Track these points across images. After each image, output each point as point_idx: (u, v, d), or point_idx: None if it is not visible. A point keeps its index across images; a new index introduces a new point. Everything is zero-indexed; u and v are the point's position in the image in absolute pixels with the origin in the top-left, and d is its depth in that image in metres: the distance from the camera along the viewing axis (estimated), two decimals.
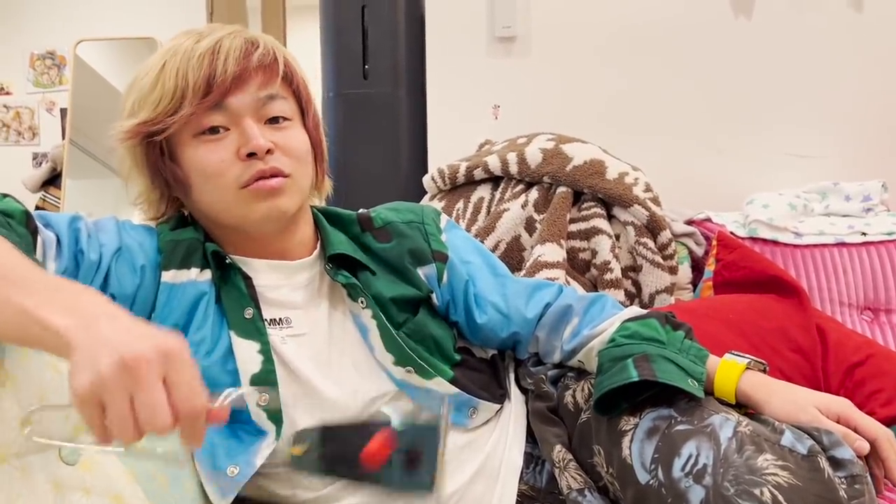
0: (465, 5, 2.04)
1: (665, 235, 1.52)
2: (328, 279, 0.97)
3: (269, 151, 0.89)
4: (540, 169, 1.57)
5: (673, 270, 1.53)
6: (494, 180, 1.67)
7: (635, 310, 1.05)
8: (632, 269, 1.53)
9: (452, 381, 0.98)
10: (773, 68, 1.93)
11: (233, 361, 0.91)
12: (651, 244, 1.51)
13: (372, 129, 2.07)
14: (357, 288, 0.96)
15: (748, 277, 1.46)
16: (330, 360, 0.96)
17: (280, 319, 0.95)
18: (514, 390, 1.08)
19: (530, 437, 1.02)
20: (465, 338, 1.08)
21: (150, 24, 3.32)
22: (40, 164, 3.77)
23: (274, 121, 0.92)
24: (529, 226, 1.55)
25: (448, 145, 2.01)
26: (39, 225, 0.83)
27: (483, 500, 0.95)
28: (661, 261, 1.51)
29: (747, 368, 0.91)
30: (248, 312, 0.92)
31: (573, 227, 1.53)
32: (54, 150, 3.47)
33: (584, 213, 1.54)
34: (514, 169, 1.60)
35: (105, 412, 0.55)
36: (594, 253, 1.51)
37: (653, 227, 1.51)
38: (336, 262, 0.97)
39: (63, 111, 3.84)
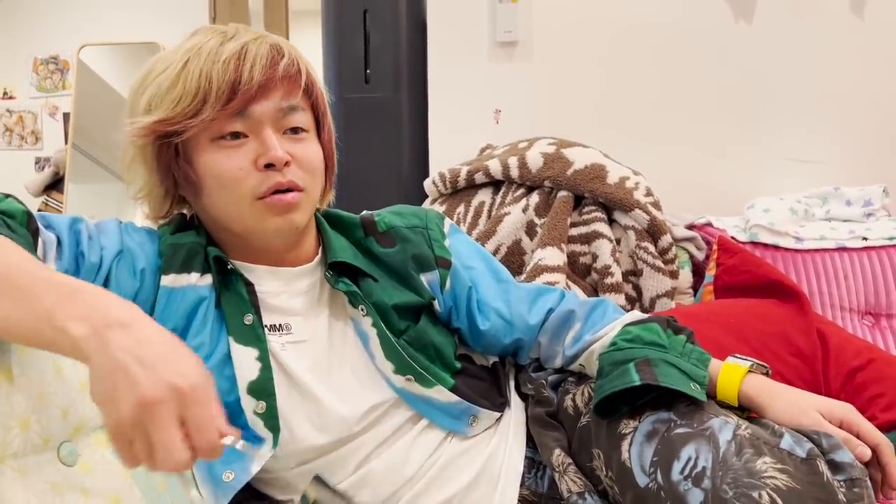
0: (466, 10, 2.05)
1: (666, 240, 1.52)
2: (329, 286, 0.97)
3: (286, 164, 0.88)
4: (541, 173, 1.57)
5: (674, 275, 1.53)
6: (495, 184, 1.67)
7: (637, 314, 1.05)
8: (632, 274, 1.53)
9: (453, 390, 0.97)
10: (775, 73, 1.93)
11: (230, 367, 0.90)
12: (652, 248, 1.51)
13: (373, 134, 2.07)
14: (357, 296, 0.96)
15: (749, 282, 1.46)
16: (330, 367, 0.95)
17: (280, 326, 0.95)
18: (513, 397, 1.08)
19: (531, 442, 1.02)
20: (467, 344, 1.07)
21: (153, 29, 3.32)
22: (43, 168, 3.78)
23: (293, 131, 0.91)
24: (530, 230, 1.55)
25: (449, 149, 2.01)
26: (40, 226, 0.83)
27: None
28: (661, 265, 1.51)
29: (750, 371, 0.91)
30: (248, 319, 0.92)
31: (574, 232, 1.54)
32: (57, 155, 3.48)
33: (585, 217, 1.54)
34: (515, 173, 1.60)
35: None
36: (595, 257, 1.51)
37: (654, 232, 1.51)
38: (337, 269, 0.97)
39: (66, 115, 3.85)
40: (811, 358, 1.29)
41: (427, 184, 1.77)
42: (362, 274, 0.98)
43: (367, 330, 0.96)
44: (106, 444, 0.78)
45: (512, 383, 1.10)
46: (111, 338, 0.59)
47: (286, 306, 0.96)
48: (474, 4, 2.04)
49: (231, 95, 0.86)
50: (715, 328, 1.31)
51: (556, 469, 0.93)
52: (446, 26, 2.07)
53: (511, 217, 1.56)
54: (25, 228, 0.79)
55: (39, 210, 3.33)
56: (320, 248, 1.00)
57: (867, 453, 0.80)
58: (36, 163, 4.03)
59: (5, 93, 4.06)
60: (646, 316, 1.03)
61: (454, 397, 0.97)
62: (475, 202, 1.66)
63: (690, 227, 1.72)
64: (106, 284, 0.87)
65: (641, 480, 0.80)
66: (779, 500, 0.70)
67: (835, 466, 0.74)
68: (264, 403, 0.90)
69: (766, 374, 0.92)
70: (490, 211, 1.64)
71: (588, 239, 1.52)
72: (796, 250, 1.63)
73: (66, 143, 3.47)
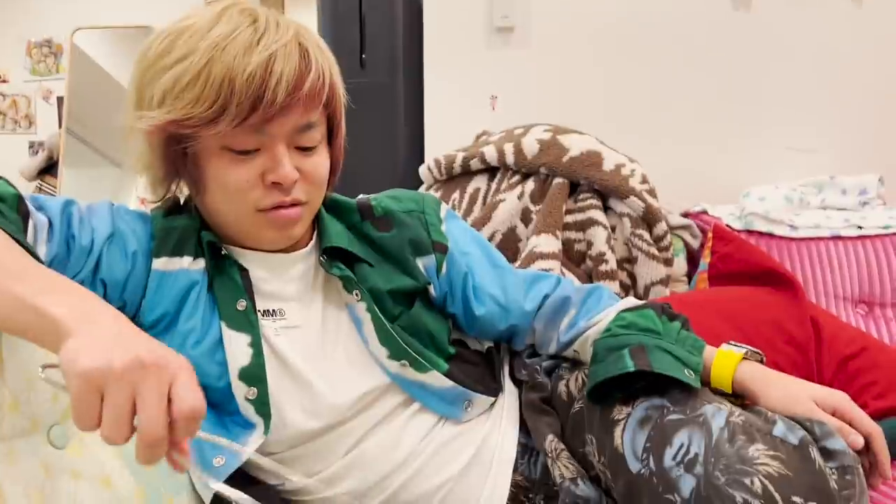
0: None
1: (661, 227, 1.52)
2: (323, 271, 0.96)
3: (294, 181, 0.87)
4: (536, 160, 1.57)
5: (668, 262, 1.53)
6: (491, 171, 1.66)
7: (632, 301, 1.05)
8: (627, 261, 1.53)
9: (447, 375, 0.97)
10: (772, 62, 1.93)
11: (222, 352, 0.90)
12: (647, 236, 1.51)
13: (369, 119, 2.06)
14: (352, 281, 0.95)
15: (743, 270, 1.46)
16: (323, 353, 0.95)
17: (274, 311, 0.94)
18: (507, 382, 1.08)
19: (524, 428, 1.02)
20: (461, 330, 1.07)
21: (148, 12, 3.30)
22: (37, 152, 3.76)
23: (304, 147, 0.89)
24: (525, 217, 1.54)
25: (445, 135, 2.00)
26: (31, 208, 0.82)
27: (475, 491, 0.95)
28: (656, 252, 1.51)
29: (744, 359, 0.91)
30: (241, 304, 0.91)
31: (569, 219, 1.53)
32: (51, 139, 3.46)
33: (580, 204, 1.54)
34: (510, 160, 1.60)
35: (102, 401, 0.55)
36: (590, 244, 1.51)
37: (648, 219, 1.51)
38: (331, 255, 0.96)
39: (60, 99, 3.82)
40: (804, 346, 1.29)
41: (422, 170, 1.76)
42: (357, 259, 0.98)
43: (362, 315, 0.96)
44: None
45: (506, 369, 1.10)
46: (105, 322, 0.59)
47: (280, 291, 0.95)
48: None
49: (251, 112, 0.82)
50: (709, 316, 1.31)
51: (549, 455, 0.93)
52: (443, 11, 2.06)
53: (506, 204, 1.55)
54: (15, 212, 0.79)
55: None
56: (315, 233, 1.00)
57: (860, 441, 0.80)
58: (30, 147, 4.00)
59: None
60: (641, 302, 1.03)
61: (449, 382, 0.97)
62: (470, 189, 1.65)
63: (686, 214, 1.72)
64: (97, 267, 0.87)
65: (634, 466, 0.80)
66: (770, 486, 0.70)
67: (827, 454, 0.74)
68: (256, 389, 0.90)
69: (761, 362, 0.93)
70: (485, 198, 1.63)
71: (583, 226, 1.52)
72: (791, 238, 1.64)
73: (59, 127, 3.46)
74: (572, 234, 1.53)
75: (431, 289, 1.02)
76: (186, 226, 0.93)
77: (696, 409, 0.79)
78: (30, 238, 0.80)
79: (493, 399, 1.02)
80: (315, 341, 0.95)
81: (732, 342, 0.94)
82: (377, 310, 0.95)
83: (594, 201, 1.54)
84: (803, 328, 1.31)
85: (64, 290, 0.65)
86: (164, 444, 0.56)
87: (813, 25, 1.91)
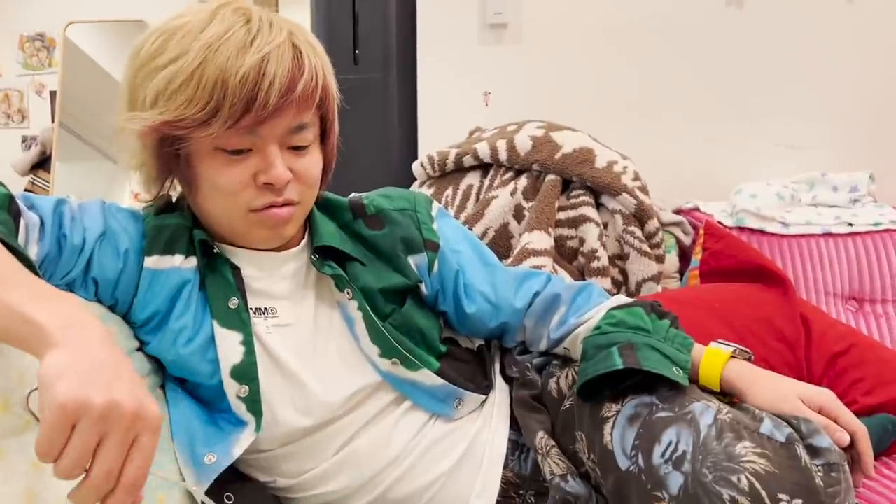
0: None
1: (653, 224, 1.53)
2: (315, 269, 0.97)
3: (286, 182, 0.87)
4: (529, 156, 1.57)
5: (660, 259, 1.54)
6: (484, 167, 1.66)
7: (622, 298, 1.06)
8: (619, 258, 1.54)
9: (438, 373, 0.98)
10: (764, 58, 1.93)
11: (213, 351, 0.90)
12: (638, 233, 1.51)
13: (362, 116, 2.06)
14: (343, 279, 0.96)
15: (734, 267, 1.47)
16: (315, 351, 0.95)
17: (266, 309, 0.94)
18: (498, 379, 1.08)
19: (515, 425, 1.02)
20: (452, 328, 1.07)
21: (141, 6, 3.29)
22: (30, 147, 3.74)
23: (296, 148, 0.89)
24: (518, 213, 1.55)
25: (438, 132, 2.00)
26: (23, 207, 0.82)
27: (466, 487, 0.96)
28: (648, 249, 1.51)
29: (732, 357, 0.92)
30: (233, 302, 0.92)
31: (561, 215, 1.54)
32: (44, 133, 3.45)
33: (573, 201, 1.54)
34: (503, 156, 1.60)
35: (70, 434, 0.54)
36: (582, 241, 1.52)
37: (640, 216, 1.52)
38: (323, 253, 0.97)
39: (53, 94, 3.80)
40: (794, 343, 1.30)
41: (415, 166, 1.76)
42: (349, 258, 0.98)
43: (353, 314, 0.96)
44: None
45: (497, 366, 1.11)
46: (91, 339, 0.58)
47: (271, 290, 0.96)
48: None
49: (244, 114, 0.81)
50: (700, 312, 1.32)
51: (540, 451, 0.94)
52: (436, 7, 2.05)
53: (499, 200, 1.56)
54: (6, 212, 0.79)
55: (26, 189, 3.30)
56: (307, 231, 1.00)
57: (845, 439, 0.81)
58: (23, 141, 3.98)
59: None
60: (630, 300, 1.03)
61: (439, 380, 0.97)
62: (463, 185, 1.65)
63: (678, 211, 1.72)
64: (88, 266, 0.87)
65: (623, 463, 0.81)
66: (757, 483, 0.70)
67: (813, 451, 0.75)
68: (247, 387, 0.90)
69: (749, 360, 0.93)
70: (478, 194, 1.63)
71: (575, 223, 1.53)
72: (782, 235, 1.64)
73: (52, 121, 3.44)
74: (564, 231, 1.53)
75: (423, 287, 1.02)
76: (178, 224, 0.93)
77: (684, 406, 0.80)
78: (21, 237, 0.80)
79: (483, 397, 1.03)
80: (307, 339, 0.95)
81: (721, 341, 0.95)
82: (368, 308, 0.96)
83: (586, 198, 1.54)
84: (793, 325, 1.32)
85: (51, 297, 0.64)
86: (105, 493, 0.56)
87: (805, 22, 1.91)
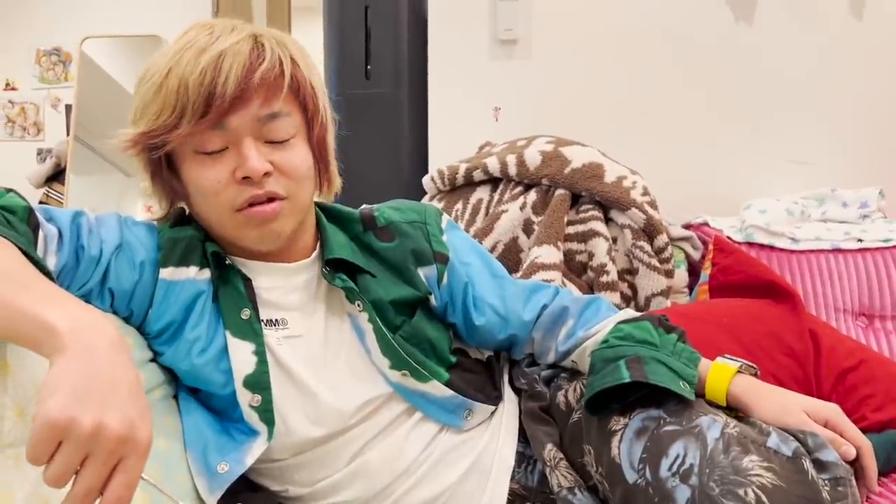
0: (467, 7, 2.05)
1: (662, 239, 1.53)
2: (326, 281, 0.97)
3: (266, 174, 0.87)
4: (539, 171, 1.58)
5: (669, 274, 1.54)
6: (493, 182, 1.67)
7: (629, 312, 1.06)
8: (628, 272, 1.54)
9: (448, 384, 0.98)
10: (773, 75, 1.94)
11: (226, 361, 0.92)
12: (648, 247, 1.52)
13: (373, 130, 2.08)
14: (354, 292, 0.96)
15: (744, 282, 1.47)
16: (325, 362, 0.96)
17: (277, 321, 0.95)
18: (507, 390, 1.09)
19: (522, 436, 1.03)
20: (462, 339, 1.08)
21: (156, 21, 3.33)
22: (44, 159, 3.79)
23: (275, 139, 0.90)
24: (527, 227, 1.56)
25: (448, 146, 2.02)
26: (42, 219, 0.84)
27: (473, 498, 0.96)
28: (657, 264, 1.52)
29: (738, 372, 0.92)
30: (245, 313, 0.93)
31: (570, 230, 1.54)
32: (59, 146, 3.49)
33: (582, 215, 1.55)
34: (513, 171, 1.61)
35: (57, 448, 0.56)
36: (591, 255, 1.52)
37: (650, 231, 1.52)
38: (334, 266, 0.97)
39: (68, 107, 3.86)
40: (803, 358, 1.30)
41: (425, 180, 1.78)
42: (360, 270, 0.99)
43: (364, 325, 0.97)
44: None
45: (506, 377, 1.11)
46: (98, 344, 0.60)
47: (283, 301, 0.97)
48: (475, 2, 2.05)
49: (206, 109, 0.84)
50: (709, 327, 1.32)
51: (548, 463, 0.95)
52: (447, 23, 2.07)
53: (508, 215, 1.57)
54: (26, 224, 0.80)
55: (40, 201, 3.34)
56: (318, 243, 1.01)
57: (851, 452, 0.81)
58: (38, 154, 4.04)
59: (8, 84, 4.07)
60: (638, 314, 1.04)
61: (449, 392, 0.98)
62: (473, 199, 1.66)
63: (687, 226, 1.73)
64: (105, 277, 0.88)
65: (630, 476, 0.81)
66: (764, 497, 0.71)
67: (820, 465, 0.75)
68: (260, 397, 0.91)
69: (755, 375, 0.94)
70: (488, 208, 1.64)
71: (584, 237, 1.53)
72: (791, 251, 1.64)
73: (67, 134, 3.49)
74: (574, 245, 1.54)
75: (432, 299, 1.03)
76: (192, 236, 0.95)
77: (691, 420, 0.80)
78: (40, 249, 0.82)
79: (493, 408, 1.03)
80: (317, 350, 0.96)
81: (728, 356, 0.95)
82: (379, 321, 0.97)
83: (596, 213, 1.55)
84: (802, 340, 1.31)
85: (65, 300, 0.66)
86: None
87: (814, 38, 1.92)
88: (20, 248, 0.72)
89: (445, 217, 1.10)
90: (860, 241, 1.64)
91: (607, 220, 1.56)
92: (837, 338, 1.37)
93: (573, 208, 1.57)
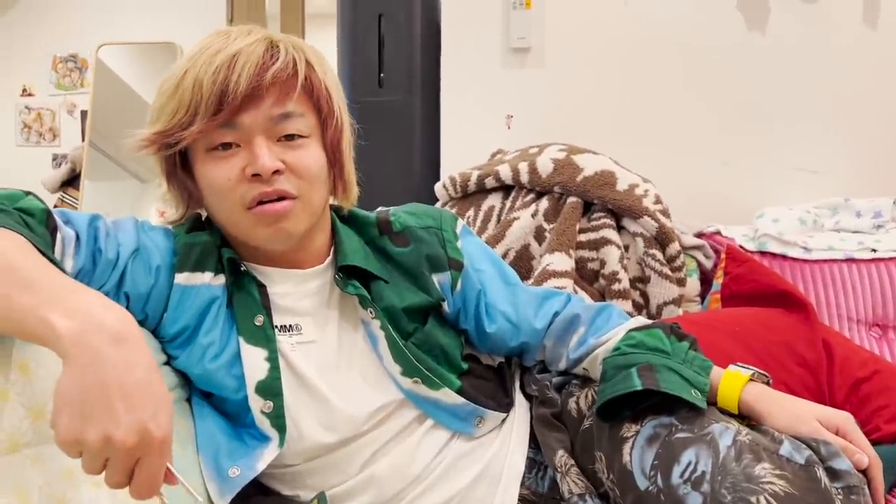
0: (480, 16, 2.06)
1: (674, 247, 1.53)
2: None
3: (277, 172, 0.88)
4: (551, 179, 1.58)
5: (681, 282, 1.54)
6: (505, 189, 1.68)
7: (641, 320, 1.06)
8: (640, 281, 1.54)
9: (459, 392, 0.99)
10: (786, 84, 1.94)
11: (239, 366, 0.92)
12: (660, 256, 1.52)
13: (386, 137, 2.09)
14: (366, 299, 0.97)
15: (756, 291, 1.46)
16: (338, 368, 0.96)
17: (290, 326, 0.96)
18: (518, 397, 1.09)
19: (533, 442, 1.03)
20: (473, 345, 1.08)
21: (171, 29, 3.37)
22: (60, 164, 3.82)
23: (287, 138, 0.90)
24: (539, 235, 1.56)
25: (461, 154, 2.02)
26: (59, 222, 0.84)
27: None
28: (669, 272, 1.52)
29: (751, 380, 0.92)
30: (259, 320, 0.93)
31: (582, 238, 1.54)
32: (74, 152, 3.52)
33: (594, 223, 1.55)
34: (525, 178, 1.61)
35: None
36: (603, 263, 1.52)
37: (662, 239, 1.52)
38: (347, 272, 0.98)
39: (83, 113, 3.90)
40: (816, 368, 1.29)
41: (437, 187, 1.78)
42: (373, 276, 0.99)
43: (376, 332, 0.97)
44: None
45: (517, 383, 1.11)
46: (100, 349, 0.60)
47: (296, 307, 0.97)
48: (488, 10, 2.06)
49: (219, 106, 0.85)
50: (721, 336, 1.31)
51: (559, 470, 0.95)
52: (460, 32, 2.08)
53: (520, 222, 1.57)
54: (44, 226, 0.81)
55: (55, 206, 3.35)
56: (332, 248, 1.01)
57: (864, 461, 0.80)
58: (53, 159, 4.07)
59: (25, 90, 4.12)
60: (650, 322, 1.04)
61: (460, 399, 0.98)
62: (485, 206, 1.67)
63: (699, 235, 1.73)
64: (121, 280, 0.89)
65: (642, 483, 0.81)
66: None
67: (833, 474, 0.75)
68: (271, 403, 0.92)
69: (767, 384, 0.93)
70: (499, 216, 1.65)
71: (596, 245, 1.53)
72: (804, 260, 1.63)
73: (83, 140, 3.51)
74: (585, 253, 1.54)
75: (445, 305, 1.03)
76: (208, 242, 0.96)
77: (703, 427, 0.80)
78: (57, 251, 0.82)
79: (504, 415, 1.03)
80: (330, 356, 0.97)
81: (739, 364, 0.95)
82: (391, 328, 0.97)
83: (608, 220, 1.55)
84: (815, 350, 1.31)
85: (71, 294, 0.65)
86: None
87: (827, 48, 1.92)
88: (37, 248, 0.73)
89: (461, 222, 1.10)
90: (874, 251, 1.63)
91: (619, 229, 1.56)
92: (851, 348, 1.36)
93: (585, 216, 1.57)
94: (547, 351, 1.07)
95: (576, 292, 1.48)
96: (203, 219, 1.00)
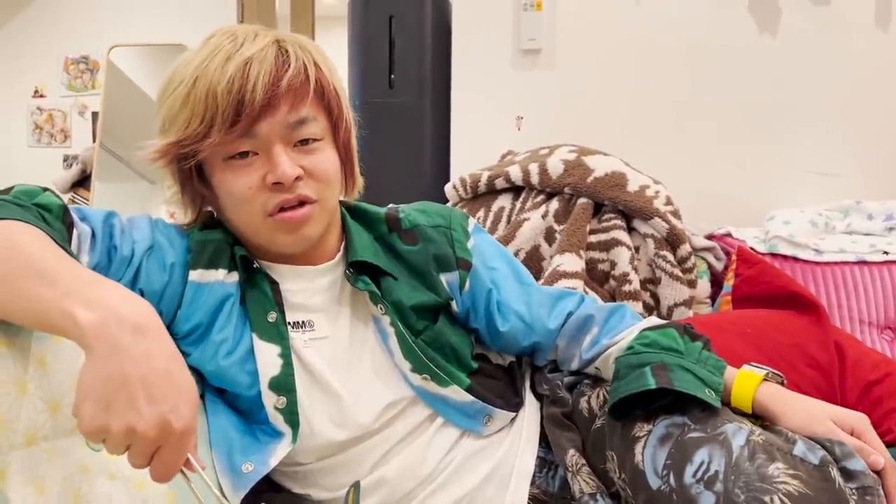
0: (491, 18, 2.07)
1: (685, 249, 1.53)
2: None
3: (297, 178, 0.89)
4: (561, 180, 1.58)
5: (692, 284, 1.54)
6: (515, 190, 1.68)
7: (654, 320, 1.06)
8: (650, 282, 1.54)
9: (468, 390, 0.99)
10: (798, 86, 1.93)
11: (252, 363, 0.92)
12: (670, 257, 1.52)
13: (396, 138, 2.10)
14: (377, 295, 0.97)
15: (767, 293, 1.46)
16: (350, 364, 0.97)
17: (303, 323, 0.96)
18: (528, 396, 1.09)
19: (543, 442, 1.03)
20: (484, 344, 1.08)
21: (182, 31, 3.37)
22: (71, 165, 3.84)
23: (303, 143, 0.91)
24: (549, 236, 1.56)
25: (471, 155, 2.03)
26: (76, 218, 0.85)
27: (493, 503, 0.96)
28: (680, 274, 1.51)
29: (765, 380, 0.92)
30: (272, 316, 0.94)
31: (593, 238, 1.54)
32: (85, 153, 3.53)
33: (604, 224, 1.55)
34: (535, 179, 1.61)
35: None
36: (613, 264, 1.52)
37: (672, 241, 1.52)
38: (357, 268, 0.98)
39: (95, 115, 3.91)
40: (828, 370, 1.29)
41: (448, 188, 1.79)
42: (382, 272, 1.00)
43: (387, 328, 0.98)
44: None
45: (527, 383, 1.11)
46: (122, 340, 0.61)
47: (308, 303, 0.97)
48: (499, 12, 2.06)
49: (236, 118, 0.85)
50: (732, 337, 1.31)
51: (570, 469, 0.94)
52: (471, 33, 2.09)
53: (530, 223, 1.57)
54: (61, 222, 0.82)
55: None
56: (343, 244, 1.02)
57: (880, 462, 0.80)
58: (64, 160, 4.09)
59: (36, 91, 4.14)
60: (663, 322, 1.04)
61: (469, 397, 0.98)
62: (495, 207, 1.67)
63: (710, 237, 1.72)
64: (136, 277, 0.90)
65: (654, 483, 0.81)
66: None
67: (847, 474, 0.74)
68: (285, 399, 0.92)
69: (781, 384, 0.93)
70: (510, 216, 1.65)
71: (607, 246, 1.53)
72: (816, 262, 1.63)
73: (94, 141, 3.53)
74: (596, 254, 1.54)
75: (454, 305, 1.03)
76: (221, 240, 0.96)
77: (716, 427, 0.80)
78: (74, 247, 0.83)
79: (513, 414, 1.03)
80: (342, 352, 0.97)
81: (753, 363, 0.94)
82: (401, 324, 0.97)
83: (618, 222, 1.55)
84: (826, 352, 1.30)
85: (91, 285, 0.65)
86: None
87: (839, 50, 1.92)
88: (55, 241, 0.73)
89: (472, 221, 1.10)
90: (886, 253, 1.62)
91: (630, 230, 1.56)
92: (863, 350, 1.36)
93: (595, 217, 1.57)
94: (559, 351, 1.07)
95: (586, 293, 1.47)
96: (215, 216, 1.00)
